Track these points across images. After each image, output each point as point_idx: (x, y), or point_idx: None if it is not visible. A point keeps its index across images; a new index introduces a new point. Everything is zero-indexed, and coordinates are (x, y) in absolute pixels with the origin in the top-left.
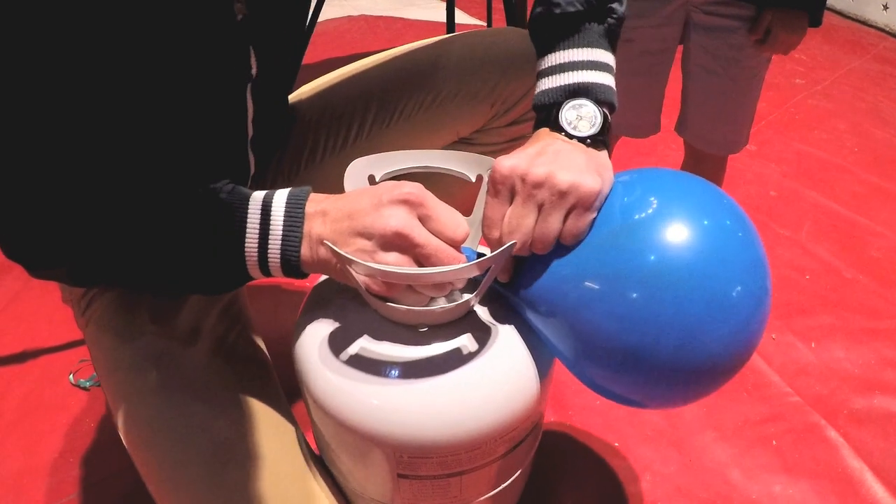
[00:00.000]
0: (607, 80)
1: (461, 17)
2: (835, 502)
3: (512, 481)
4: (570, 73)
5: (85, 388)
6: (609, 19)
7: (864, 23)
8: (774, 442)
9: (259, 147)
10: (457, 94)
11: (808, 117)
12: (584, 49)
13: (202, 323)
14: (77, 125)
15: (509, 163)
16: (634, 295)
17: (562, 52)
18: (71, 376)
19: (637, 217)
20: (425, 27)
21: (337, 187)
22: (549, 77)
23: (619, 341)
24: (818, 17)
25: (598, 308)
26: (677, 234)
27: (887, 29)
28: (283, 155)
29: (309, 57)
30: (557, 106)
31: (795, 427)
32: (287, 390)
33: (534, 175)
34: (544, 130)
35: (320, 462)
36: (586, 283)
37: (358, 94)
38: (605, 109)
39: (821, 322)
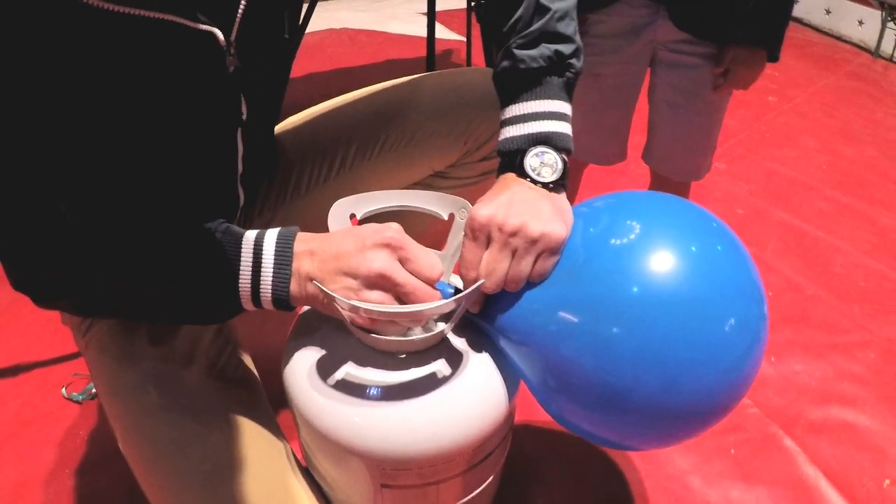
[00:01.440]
0: (566, 128)
1: (441, 31)
2: None
3: (485, 486)
4: (533, 122)
5: (78, 402)
6: (568, 73)
7: (839, 38)
8: (733, 451)
9: (248, 181)
10: (431, 133)
11: (778, 135)
12: (546, 101)
13: (197, 346)
14: (79, 166)
15: (486, 212)
16: (614, 330)
17: (525, 102)
18: (63, 390)
19: (614, 243)
20: (407, 41)
21: (320, 216)
22: (514, 125)
23: (595, 378)
24: (776, 53)
25: (572, 342)
26: (661, 261)
27: (861, 44)
28: (271, 186)
29: (292, 70)
30: (522, 153)
31: (754, 437)
32: (275, 403)
33: (509, 225)
34: (511, 176)
35: (308, 473)
36: (560, 315)
37: (340, 130)
38: (563, 156)
39: (781, 337)
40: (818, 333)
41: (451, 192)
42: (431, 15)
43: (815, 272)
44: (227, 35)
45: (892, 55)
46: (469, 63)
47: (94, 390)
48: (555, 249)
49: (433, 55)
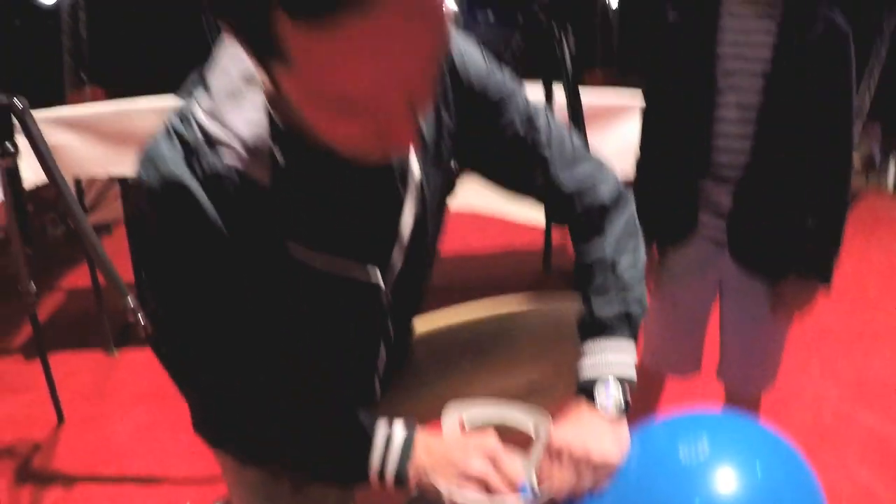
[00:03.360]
0: (630, 368)
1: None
2: None
3: None
4: (604, 363)
5: None
6: (633, 324)
7: None
8: None
9: (385, 376)
10: (531, 357)
11: (876, 331)
12: (615, 345)
13: (326, 499)
14: (273, 354)
15: (560, 436)
16: None
17: (599, 345)
18: None
19: (685, 464)
20: (527, 231)
21: (437, 406)
22: (589, 363)
23: None
24: (828, 279)
25: None
26: (724, 484)
27: None
28: (400, 378)
29: None
30: (593, 386)
31: None
32: None
33: (576, 451)
34: (584, 404)
35: None
36: None
37: (461, 341)
38: (627, 389)
39: None
40: None
41: (543, 399)
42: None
43: (895, 478)
44: (386, 282)
45: None
46: None
47: None
48: (610, 472)
49: (549, 249)
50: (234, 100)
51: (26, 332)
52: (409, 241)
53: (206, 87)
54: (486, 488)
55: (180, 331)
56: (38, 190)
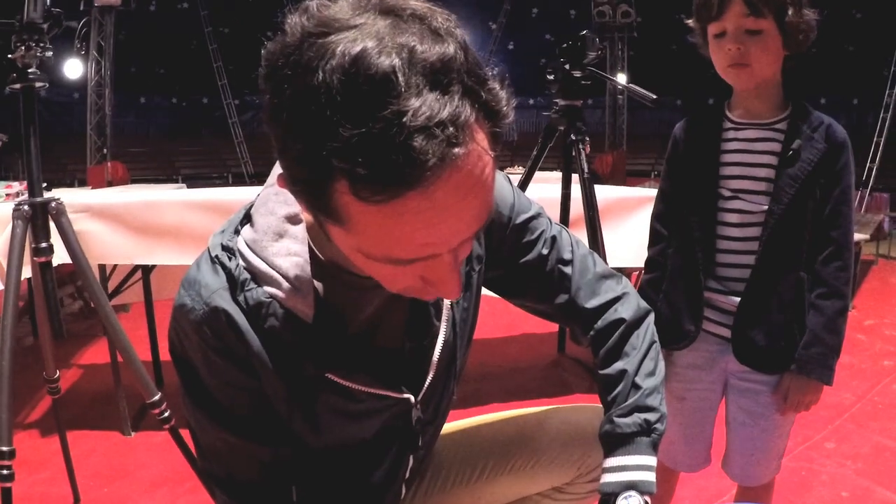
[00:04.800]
0: (650, 477)
1: None
2: None
3: None
4: (625, 472)
5: None
6: (653, 434)
7: None
8: None
9: (409, 482)
10: (553, 460)
11: (892, 404)
12: (636, 457)
13: None
14: (305, 472)
15: None
16: None
17: (620, 457)
18: None
19: None
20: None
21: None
22: (611, 473)
23: None
24: (827, 381)
25: None
26: None
27: None
28: (421, 481)
29: None
30: (615, 496)
31: None
32: None
33: None
34: None
35: None
36: None
37: (482, 446)
38: (646, 498)
39: None
40: None
41: (564, 500)
42: None
43: None
44: (416, 396)
45: None
46: None
47: None
48: None
49: (564, 331)
50: (277, 237)
51: (42, 406)
52: (439, 363)
53: (252, 224)
54: None
55: (217, 444)
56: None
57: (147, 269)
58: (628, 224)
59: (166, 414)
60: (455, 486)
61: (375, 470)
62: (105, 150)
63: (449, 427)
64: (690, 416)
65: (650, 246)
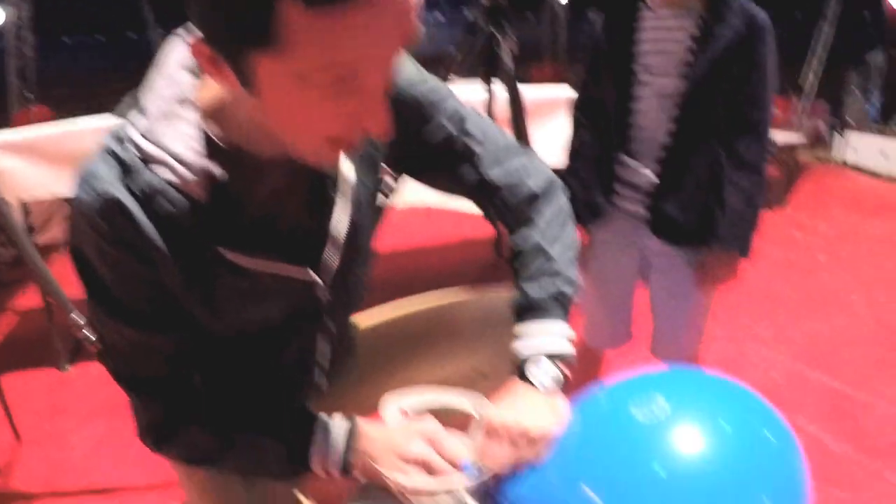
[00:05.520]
0: (563, 344)
1: None
2: None
3: None
4: (536, 340)
5: None
6: (564, 300)
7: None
8: None
9: (331, 370)
10: (474, 341)
11: (825, 297)
12: (546, 324)
13: (277, 493)
14: (208, 351)
15: (496, 414)
16: None
17: (531, 325)
18: None
19: (642, 420)
20: (478, 221)
21: (378, 400)
22: (522, 342)
23: None
24: (745, 251)
25: None
26: (686, 441)
27: None
28: (348, 374)
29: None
30: (529, 364)
31: None
32: None
33: (511, 426)
34: (518, 382)
35: None
36: (582, 495)
37: (402, 336)
38: (560, 365)
39: None
40: (842, 492)
41: (487, 385)
42: None
43: (845, 430)
44: (323, 277)
45: None
46: None
47: None
48: (548, 442)
49: (500, 235)
50: (168, 120)
51: None
52: (345, 242)
53: (141, 109)
54: (429, 470)
55: (119, 341)
56: None
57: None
58: (555, 123)
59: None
60: (379, 375)
61: (285, 355)
62: (29, 95)
63: (368, 318)
64: (611, 295)
65: (572, 136)
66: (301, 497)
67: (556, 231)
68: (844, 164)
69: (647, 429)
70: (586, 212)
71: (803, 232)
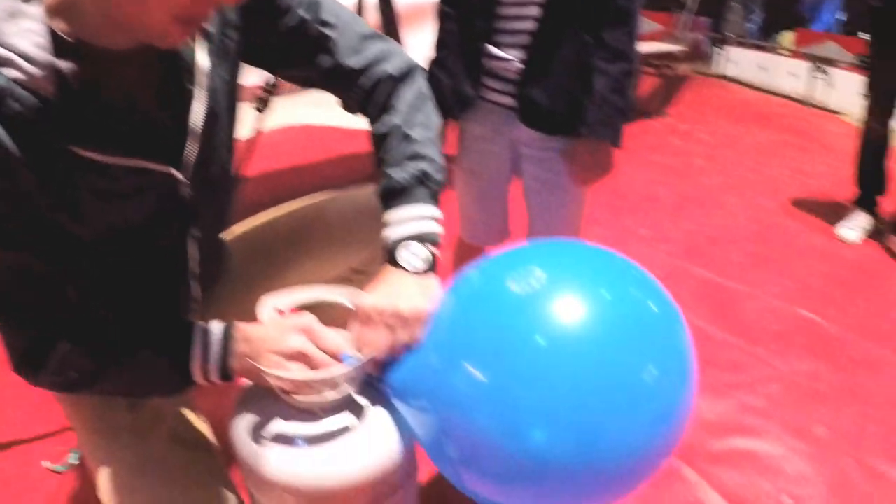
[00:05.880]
0: (432, 226)
1: None
2: None
3: None
4: (404, 224)
5: (58, 472)
6: (430, 183)
7: (773, 93)
8: None
9: (203, 280)
10: (346, 237)
11: (703, 196)
12: (414, 208)
13: (162, 416)
14: (76, 262)
15: (366, 300)
16: (514, 384)
17: (397, 210)
18: (47, 462)
19: (519, 292)
20: (357, 135)
21: (250, 308)
22: (390, 228)
23: (498, 441)
24: (616, 141)
25: (471, 404)
26: (566, 310)
27: (795, 96)
28: (223, 285)
29: (251, 170)
30: (398, 248)
31: None
32: (229, 463)
33: (382, 309)
34: (389, 267)
35: None
36: (463, 372)
37: (276, 239)
38: (431, 247)
39: None
40: (723, 374)
41: (366, 280)
42: None
43: (727, 320)
44: (184, 172)
45: (822, 104)
46: None
47: (74, 460)
48: (422, 321)
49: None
50: (13, 18)
51: None
52: (202, 135)
53: None
54: (309, 364)
55: None
56: None
57: None
58: (429, 29)
59: None
60: (256, 281)
61: (157, 261)
62: None
63: (241, 226)
64: (485, 189)
65: (438, 27)
66: (191, 415)
67: (416, 114)
68: (724, 77)
69: (524, 300)
70: (455, 102)
71: (683, 139)
